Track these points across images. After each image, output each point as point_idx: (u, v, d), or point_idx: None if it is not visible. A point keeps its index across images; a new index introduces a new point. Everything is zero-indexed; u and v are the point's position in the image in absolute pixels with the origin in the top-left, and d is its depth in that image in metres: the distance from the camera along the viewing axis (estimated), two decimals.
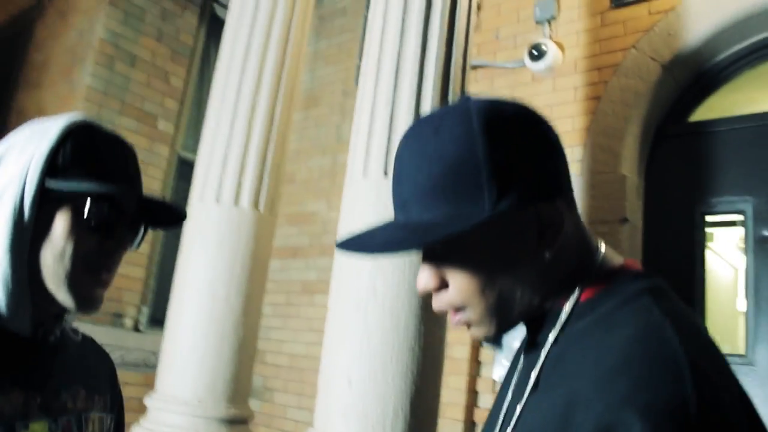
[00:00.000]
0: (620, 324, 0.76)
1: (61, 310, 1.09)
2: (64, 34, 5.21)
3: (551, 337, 0.83)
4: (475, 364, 3.73)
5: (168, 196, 4.98)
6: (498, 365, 3.66)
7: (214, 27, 5.35)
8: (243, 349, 3.01)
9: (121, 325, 4.62)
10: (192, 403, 2.87)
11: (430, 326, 2.29)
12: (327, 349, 2.36)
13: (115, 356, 4.38)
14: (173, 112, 5.05)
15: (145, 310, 4.75)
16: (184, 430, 2.83)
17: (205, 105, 5.05)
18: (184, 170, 5.02)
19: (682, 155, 3.57)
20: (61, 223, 1.03)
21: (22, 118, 5.33)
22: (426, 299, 2.27)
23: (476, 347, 3.73)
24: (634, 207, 3.60)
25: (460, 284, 0.83)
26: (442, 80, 2.49)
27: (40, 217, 1.02)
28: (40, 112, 5.07)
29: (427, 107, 2.43)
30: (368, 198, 2.40)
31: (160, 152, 4.94)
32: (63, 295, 1.04)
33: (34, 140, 1.04)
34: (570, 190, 0.86)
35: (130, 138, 4.74)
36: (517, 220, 0.81)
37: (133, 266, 4.71)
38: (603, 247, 0.87)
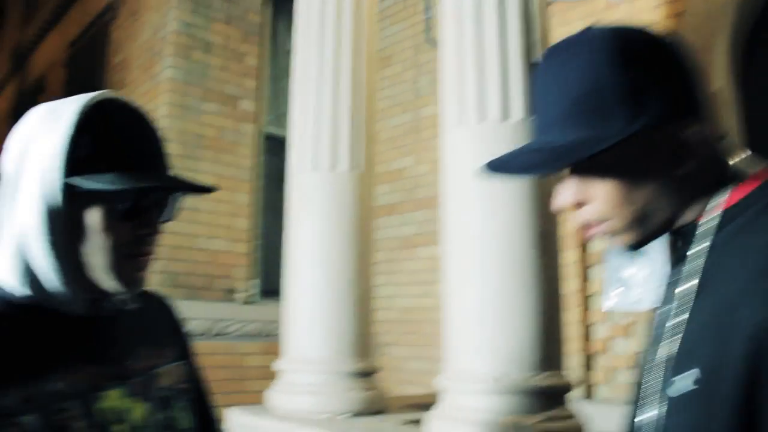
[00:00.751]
0: (765, 228, 0.81)
1: (110, 295, 1.12)
2: (138, 32, 5.40)
3: (694, 249, 0.88)
4: (584, 298, 3.77)
5: (259, 172, 5.15)
6: (606, 297, 3.69)
7: (278, 2, 5.44)
8: (361, 306, 3.14)
9: (234, 300, 4.84)
10: (323, 361, 3.03)
11: (546, 260, 2.35)
12: (450, 295, 2.45)
13: (233, 329, 4.62)
14: (252, 91, 5.18)
15: (256, 284, 4.96)
16: (318, 386, 2.99)
17: (281, 79, 5.19)
18: (271, 145, 5.17)
19: None
20: (92, 218, 1.03)
21: None
22: (540, 236, 2.33)
23: (584, 280, 3.76)
24: (730, 123, 3.52)
25: (604, 196, 0.89)
26: (524, 19, 2.50)
27: (71, 212, 1.02)
28: None
29: (515, 47, 2.45)
30: (466, 144, 2.45)
31: (246, 131, 5.09)
32: (109, 283, 1.07)
33: (49, 131, 1.03)
34: (704, 107, 0.89)
35: (216, 122, 4.94)
36: (651, 139, 0.86)
37: (238, 242, 4.91)
38: (743, 155, 0.90)
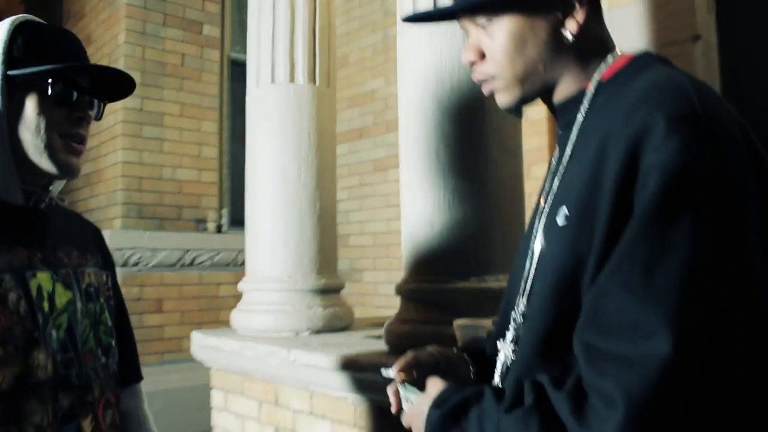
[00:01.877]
0: (636, 82, 0.94)
1: (47, 181, 1.31)
2: None
3: (581, 113, 1.02)
4: None
5: (225, 99, 5.02)
6: None
7: None
8: (322, 222, 3.06)
9: (205, 230, 4.77)
10: (282, 279, 2.97)
11: (504, 159, 2.27)
12: (403, 198, 2.38)
13: (203, 258, 4.56)
14: (216, 15, 5.02)
15: (225, 213, 4.89)
16: (279, 305, 2.94)
17: (246, 5, 5.02)
18: (238, 72, 5.03)
19: None
20: (30, 104, 1.23)
21: None
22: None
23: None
24: (706, 22, 3.40)
25: (493, 54, 1.04)
26: None
27: (11, 104, 1.22)
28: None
29: None
30: (424, 48, 2.34)
31: (211, 57, 4.95)
32: (46, 164, 1.25)
33: None
34: (598, 4, 1.05)
35: (179, 47, 4.78)
36: (546, 4, 1.00)
37: (205, 171, 4.82)
38: (620, 50, 1.06)
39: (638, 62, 1.01)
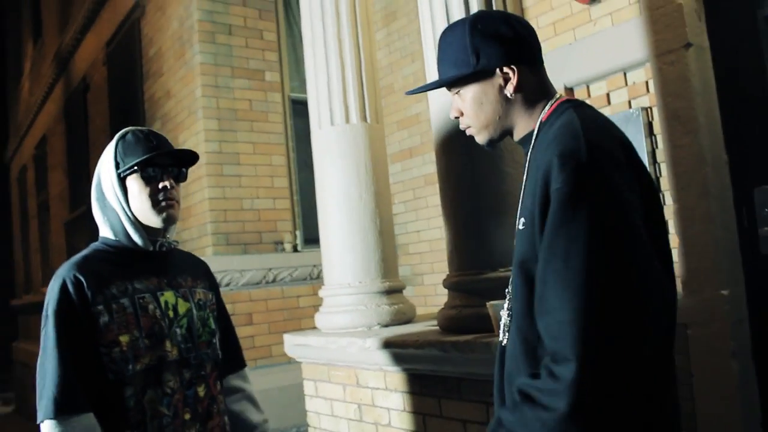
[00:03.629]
0: (555, 125, 1.43)
1: (162, 230, 2.04)
2: (167, 24, 5.99)
3: (531, 146, 1.50)
4: None
5: (289, 134, 5.73)
6: None
7: None
8: (383, 235, 3.71)
9: (283, 249, 5.49)
10: (354, 284, 3.62)
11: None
12: (444, 211, 3.02)
13: (284, 275, 5.33)
14: (275, 62, 5.74)
15: (299, 234, 5.59)
16: (353, 306, 3.59)
17: (299, 48, 5.72)
18: (298, 109, 5.74)
19: None
20: (134, 186, 1.98)
21: (153, 104, 6.23)
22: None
23: None
24: (696, 30, 3.86)
25: (466, 111, 1.56)
26: None
27: (123, 189, 1.99)
28: (168, 95, 5.91)
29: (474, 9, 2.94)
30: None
31: (275, 99, 5.67)
32: (154, 220, 1.99)
33: (106, 156, 2.03)
34: (536, 62, 1.53)
35: (246, 95, 5.53)
36: (490, 74, 1.51)
37: (279, 199, 5.53)
38: (558, 95, 1.55)
39: (559, 108, 1.48)
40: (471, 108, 1.55)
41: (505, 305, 1.55)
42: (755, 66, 3.62)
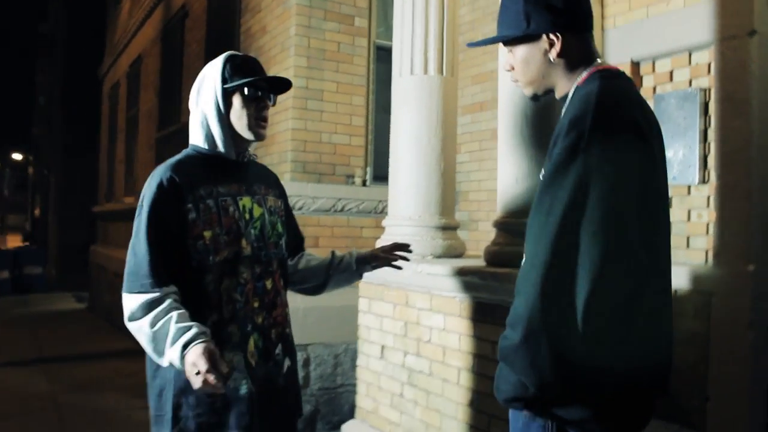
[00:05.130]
0: (583, 90, 1.61)
1: (247, 145, 2.31)
2: None
3: (565, 106, 1.67)
4: None
5: (371, 78, 6.12)
6: None
7: None
8: (445, 177, 4.11)
9: (353, 183, 5.95)
10: (414, 217, 4.06)
11: None
12: (499, 161, 3.40)
13: (351, 206, 5.89)
14: (365, 9, 6.10)
15: (369, 170, 6.05)
16: (411, 236, 4.02)
17: None
18: (381, 55, 6.13)
19: None
20: (236, 102, 2.22)
21: (249, 37, 6.69)
22: None
23: None
24: (764, 19, 3.95)
25: (516, 67, 1.77)
26: None
27: (226, 103, 2.21)
28: (264, 30, 6.36)
29: None
30: None
31: (361, 44, 6.06)
32: (247, 134, 2.24)
33: (213, 71, 2.25)
34: (582, 29, 1.69)
35: (336, 37, 5.94)
36: (537, 38, 1.69)
37: (355, 137, 5.97)
38: (598, 61, 1.69)
39: (593, 76, 1.62)
40: (519, 65, 1.74)
41: None
42: None
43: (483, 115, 5.83)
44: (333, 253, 2.59)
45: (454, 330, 3.48)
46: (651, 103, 3.43)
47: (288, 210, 2.54)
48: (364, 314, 4.30)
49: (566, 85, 1.70)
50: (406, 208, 4.10)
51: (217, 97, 2.22)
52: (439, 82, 4.13)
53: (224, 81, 2.22)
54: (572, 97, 1.65)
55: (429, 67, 4.13)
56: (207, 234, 2.14)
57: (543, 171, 1.58)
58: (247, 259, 2.22)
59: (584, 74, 1.66)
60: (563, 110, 1.66)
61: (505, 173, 3.34)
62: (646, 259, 1.49)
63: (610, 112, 1.50)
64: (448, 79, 4.18)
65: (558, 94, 1.74)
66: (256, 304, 2.22)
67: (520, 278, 1.52)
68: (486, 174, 5.76)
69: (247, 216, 2.25)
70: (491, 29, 5.80)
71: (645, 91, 3.80)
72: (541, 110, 3.20)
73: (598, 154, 1.44)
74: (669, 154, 3.36)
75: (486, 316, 3.27)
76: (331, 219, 5.72)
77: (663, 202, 1.61)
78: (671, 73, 3.78)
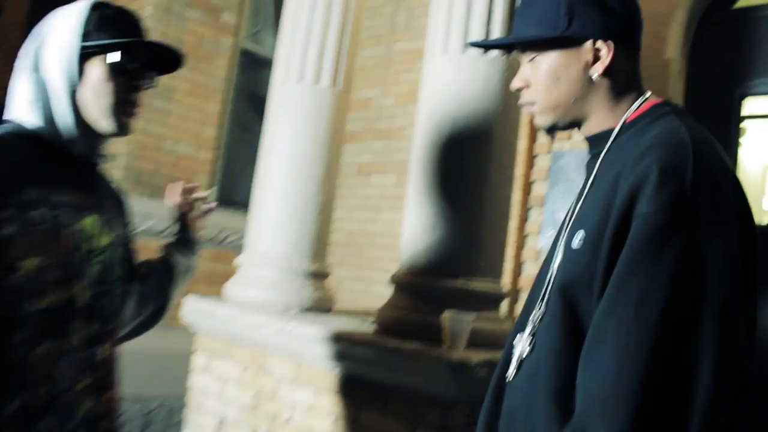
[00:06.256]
0: (651, 130, 1.12)
1: (102, 140, 1.54)
2: None
3: (605, 147, 1.19)
4: (521, 236, 4.08)
5: (232, 85, 5.27)
6: (542, 236, 4.02)
7: None
8: (323, 213, 3.38)
9: None
10: (282, 258, 3.27)
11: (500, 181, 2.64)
12: (408, 202, 2.73)
13: None
14: (236, 4, 5.27)
15: (214, 190, 5.14)
16: (274, 281, 3.23)
17: None
18: (246, 60, 5.30)
19: (725, 41, 3.78)
20: (96, 71, 1.47)
21: None
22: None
23: (523, 219, 4.08)
24: (676, 90, 3.84)
25: (536, 83, 1.23)
26: None
27: (81, 68, 1.46)
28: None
29: None
30: (446, 71, 2.69)
31: (225, 43, 5.20)
32: (105, 123, 1.48)
33: (67, 20, 1.48)
34: (634, 44, 1.22)
35: (198, 29, 5.03)
36: (578, 45, 1.19)
37: (202, 149, 5.06)
38: (648, 93, 1.24)
39: (657, 110, 1.18)
40: (543, 81, 1.23)
41: (527, 332, 1.22)
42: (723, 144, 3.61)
43: (352, 146, 5.20)
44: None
45: (327, 410, 2.72)
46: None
47: (130, 242, 1.74)
48: (200, 374, 3.39)
49: (606, 118, 1.23)
50: (272, 246, 3.30)
51: (69, 58, 1.46)
52: (331, 96, 3.41)
53: (85, 36, 1.47)
54: (624, 137, 1.19)
55: (322, 77, 3.40)
56: (28, 263, 1.35)
57: (583, 232, 1.11)
58: (80, 312, 1.44)
59: (636, 106, 1.21)
60: (604, 151, 1.20)
61: (416, 217, 2.66)
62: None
63: (712, 169, 1.06)
64: (342, 95, 3.48)
65: (589, 129, 1.25)
66: (85, 384, 1.45)
67: (600, 389, 0.99)
68: (345, 213, 5.11)
69: (92, 244, 1.49)
70: (372, 54, 5.21)
71: None
72: (471, 137, 2.59)
73: (713, 226, 1.01)
74: None
75: (376, 400, 2.54)
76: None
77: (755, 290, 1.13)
78: None
